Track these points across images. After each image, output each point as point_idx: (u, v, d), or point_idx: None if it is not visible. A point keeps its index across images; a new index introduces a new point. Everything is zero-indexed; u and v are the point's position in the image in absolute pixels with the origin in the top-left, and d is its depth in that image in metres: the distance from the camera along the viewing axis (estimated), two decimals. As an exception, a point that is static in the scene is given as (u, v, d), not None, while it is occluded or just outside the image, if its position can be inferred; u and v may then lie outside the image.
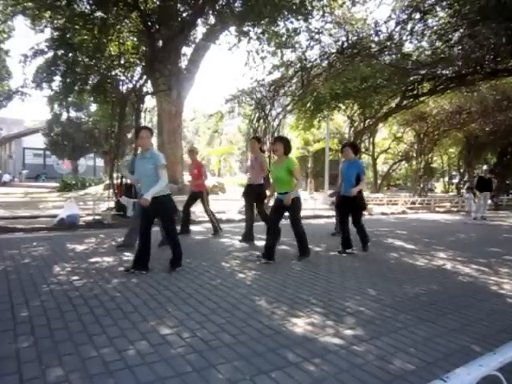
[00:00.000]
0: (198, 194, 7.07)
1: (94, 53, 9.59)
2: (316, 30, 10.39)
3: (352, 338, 2.67)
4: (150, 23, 9.31)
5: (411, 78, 13.40)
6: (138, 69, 10.58)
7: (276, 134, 12.00)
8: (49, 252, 5.29)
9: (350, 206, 5.85)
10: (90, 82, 10.45)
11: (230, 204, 11.84)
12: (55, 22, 9.50)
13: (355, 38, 10.93)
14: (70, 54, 9.54)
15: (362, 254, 5.87)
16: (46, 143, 29.39)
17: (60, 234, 6.51)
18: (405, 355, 2.44)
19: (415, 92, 14.25)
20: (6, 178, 30.73)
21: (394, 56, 11.68)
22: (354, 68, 11.53)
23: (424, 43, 11.09)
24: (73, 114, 26.70)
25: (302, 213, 12.10)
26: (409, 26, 10.32)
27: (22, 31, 54.60)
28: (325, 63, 11.81)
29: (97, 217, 8.53)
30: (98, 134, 27.02)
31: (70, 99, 15.43)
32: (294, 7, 9.06)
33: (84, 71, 10.01)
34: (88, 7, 9.12)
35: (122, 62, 10.21)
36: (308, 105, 14.85)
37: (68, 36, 9.28)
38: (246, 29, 9.68)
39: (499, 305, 3.59)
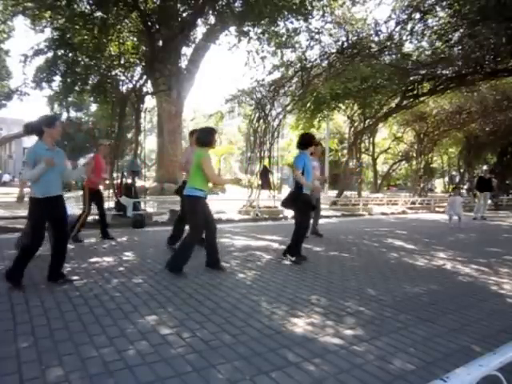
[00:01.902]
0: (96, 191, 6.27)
1: (93, 53, 9.60)
2: (316, 30, 10.40)
3: (352, 338, 2.67)
4: (150, 23, 9.32)
5: (411, 78, 13.41)
6: (138, 69, 10.59)
7: (276, 134, 12.02)
8: (49, 252, 5.28)
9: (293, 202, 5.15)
10: (90, 82, 10.46)
11: (229, 204, 11.85)
12: (55, 22, 9.51)
13: (355, 38, 10.93)
14: (70, 54, 9.55)
15: (361, 254, 5.87)
16: (46, 143, 29.38)
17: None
18: (405, 355, 2.44)
19: (415, 92, 14.27)
20: (6, 178, 30.74)
21: (394, 56, 11.69)
22: (354, 68, 11.53)
23: (424, 43, 11.11)
24: (73, 113, 26.73)
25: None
26: (409, 26, 10.33)
27: (22, 31, 54.56)
28: (325, 63, 11.82)
29: (97, 217, 8.51)
30: (98, 134, 27.02)
31: (70, 99, 15.44)
32: (294, 7, 9.08)
33: (84, 71, 10.02)
34: (88, 7, 9.13)
35: (122, 62, 10.21)
36: (308, 105, 14.88)
37: (68, 36, 9.29)
38: (246, 29, 9.70)
39: (499, 305, 3.59)
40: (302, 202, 5.05)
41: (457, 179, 27.23)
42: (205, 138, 4.31)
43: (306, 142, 5.19)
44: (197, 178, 4.19)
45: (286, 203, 5.33)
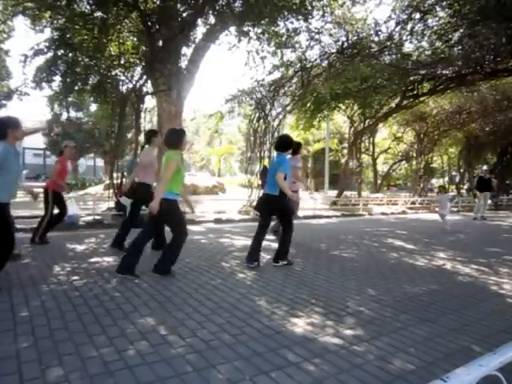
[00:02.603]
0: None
1: (94, 53, 9.59)
2: (316, 30, 10.40)
3: (352, 338, 2.67)
4: (150, 23, 9.32)
5: (411, 78, 13.42)
6: (138, 69, 10.59)
7: (276, 134, 12.01)
8: (49, 252, 5.29)
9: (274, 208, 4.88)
10: (90, 82, 10.46)
11: (229, 204, 11.85)
12: (55, 22, 9.50)
13: (355, 38, 10.93)
14: (70, 54, 9.54)
15: (361, 254, 5.87)
16: (46, 143, 29.38)
17: (60, 233, 6.50)
18: (405, 355, 2.44)
19: (415, 92, 14.28)
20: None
21: (394, 56, 11.69)
22: (354, 68, 11.54)
23: (424, 43, 11.11)
24: (73, 113, 26.69)
25: (303, 213, 12.04)
26: (409, 26, 10.33)
27: (22, 31, 54.51)
28: (325, 63, 11.82)
29: (97, 217, 8.53)
30: (98, 134, 27.01)
31: (70, 99, 15.42)
32: (294, 7, 9.07)
33: (84, 71, 10.02)
34: (88, 7, 9.13)
35: (122, 62, 10.21)
36: (308, 105, 14.89)
37: (68, 36, 9.28)
38: (246, 29, 9.69)
39: (499, 305, 3.59)
40: (286, 206, 4.84)
41: (457, 179, 27.17)
42: (174, 139, 4.19)
43: (287, 144, 4.97)
44: (172, 181, 4.07)
45: (267, 208, 4.90)
